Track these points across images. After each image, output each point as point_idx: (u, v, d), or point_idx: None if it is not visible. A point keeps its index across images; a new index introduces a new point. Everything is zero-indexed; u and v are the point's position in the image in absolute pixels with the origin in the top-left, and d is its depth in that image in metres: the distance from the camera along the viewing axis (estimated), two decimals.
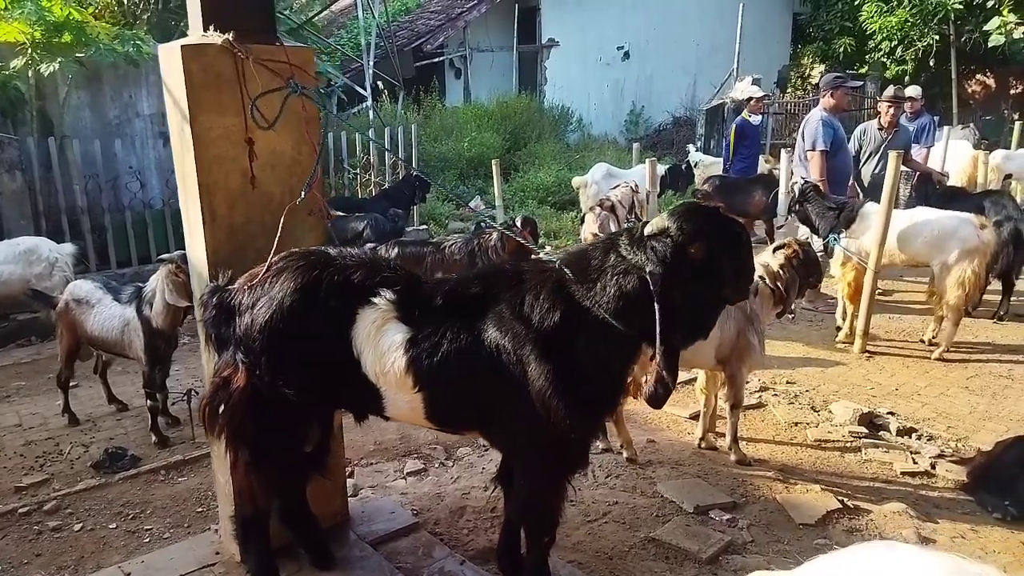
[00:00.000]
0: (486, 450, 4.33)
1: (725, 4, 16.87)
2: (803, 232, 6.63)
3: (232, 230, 2.51)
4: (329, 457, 2.73)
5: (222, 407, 2.37)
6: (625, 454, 4.07)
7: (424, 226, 10.25)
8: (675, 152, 16.49)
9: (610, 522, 3.38)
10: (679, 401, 5.06)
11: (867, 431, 4.54)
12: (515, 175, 12.97)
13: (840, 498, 3.59)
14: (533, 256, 2.58)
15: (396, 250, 5.85)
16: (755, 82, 13.36)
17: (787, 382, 5.44)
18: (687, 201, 2.55)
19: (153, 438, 4.58)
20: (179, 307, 4.15)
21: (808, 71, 21.96)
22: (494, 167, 9.15)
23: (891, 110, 7.16)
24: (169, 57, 2.40)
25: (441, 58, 15.62)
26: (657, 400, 2.23)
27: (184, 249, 4.25)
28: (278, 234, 2.42)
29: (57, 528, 3.73)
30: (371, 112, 12.86)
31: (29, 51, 7.23)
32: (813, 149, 6.62)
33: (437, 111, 14.13)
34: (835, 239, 6.04)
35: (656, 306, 2.08)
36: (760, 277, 4.14)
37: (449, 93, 15.87)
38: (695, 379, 5.13)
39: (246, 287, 2.36)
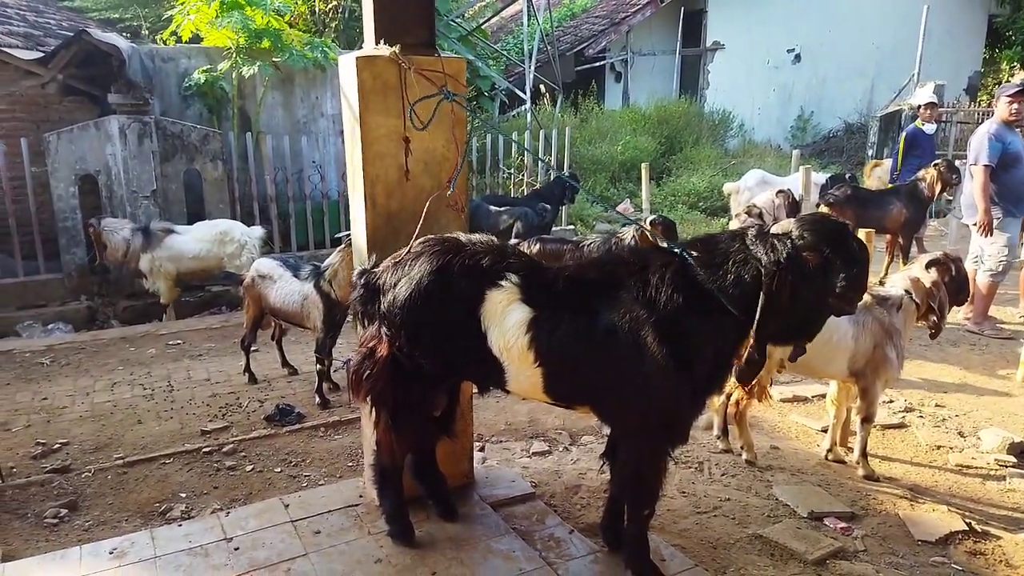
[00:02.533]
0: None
1: (909, 3, 15.80)
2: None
3: (389, 217, 2.91)
4: (456, 423, 3.06)
5: (367, 373, 2.75)
6: (745, 456, 4.12)
7: (571, 226, 10.53)
8: (844, 160, 15.70)
9: (719, 516, 3.48)
10: (813, 414, 5.00)
11: (1016, 461, 4.28)
12: (667, 179, 12.94)
13: (968, 521, 3.46)
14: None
15: (537, 246, 6.16)
16: (936, 89, 12.48)
17: (936, 405, 5.18)
18: (819, 212, 2.62)
19: (317, 399, 5.17)
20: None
21: (1007, 77, 20.01)
22: (644, 171, 9.25)
23: None
24: (346, 66, 2.82)
25: (602, 62, 15.83)
26: (743, 376, 2.39)
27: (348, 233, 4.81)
28: (421, 221, 2.78)
29: (232, 467, 4.35)
30: (529, 115, 13.32)
31: (234, 55, 8.27)
32: (976, 163, 6.20)
33: (594, 114, 14.36)
34: None
35: (761, 295, 2.23)
36: (906, 291, 4.05)
37: (608, 97, 16.05)
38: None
39: (389, 269, 2.72)
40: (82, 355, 6.37)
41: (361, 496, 3.32)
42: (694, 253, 2.42)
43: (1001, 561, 3.20)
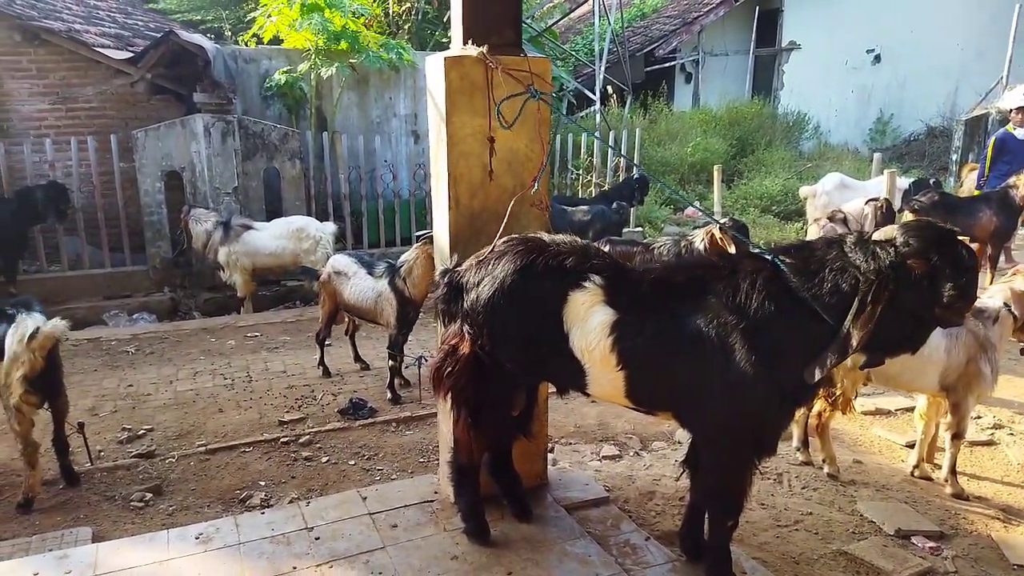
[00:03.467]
0: (682, 444, 4.46)
1: (998, 2, 15.07)
2: None
3: (472, 216, 2.92)
4: (533, 423, 3.05)
5: (448, 371, 2.76)
6: (826, 469, 3.99)
7: (639, 228, 10.42)
8: (926, 165, 15.08)
9: (801, 530, 3.38)
10: (896, 428, 4.81)
11: None
12: (738, 182, 12.67)
13: None
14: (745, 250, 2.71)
15: (607, 247, 6.11)
16: None
17: None
18: (926, 220, 2.53)
19: (388, 394, 5.24)
20: (428, 280, 4.78)
21: None
22: (715, 173, 9.08)
23: None
24: (434, 66, 2.84)
25: (672, 63, 15.61)
26: (809, 372, 2.27)
27: (431, 230, 4.87)
28: (505, 220, 2.78)
29: (308, 458, 4.46)
30: (597, 116, 13.24)
31: (313, 56, 8.47)
32: None
33: (663, 115, 14.18)
34: None
35: (856, 301, 2.16)
36: (1004, 304, 3.86)
37: (677, 98, 15.82)
38: (916, 407, 4.86)
39: (473, 268, 2.73)
40: (165, 344, 6.62)
41: (436, 492, 3.34)
42: (787, 260, 2.35)
43: None
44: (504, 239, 2.70)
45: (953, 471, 3.89)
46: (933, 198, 7.79)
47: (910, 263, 2.19)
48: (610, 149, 9.41)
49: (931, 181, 9.94)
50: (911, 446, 4.40)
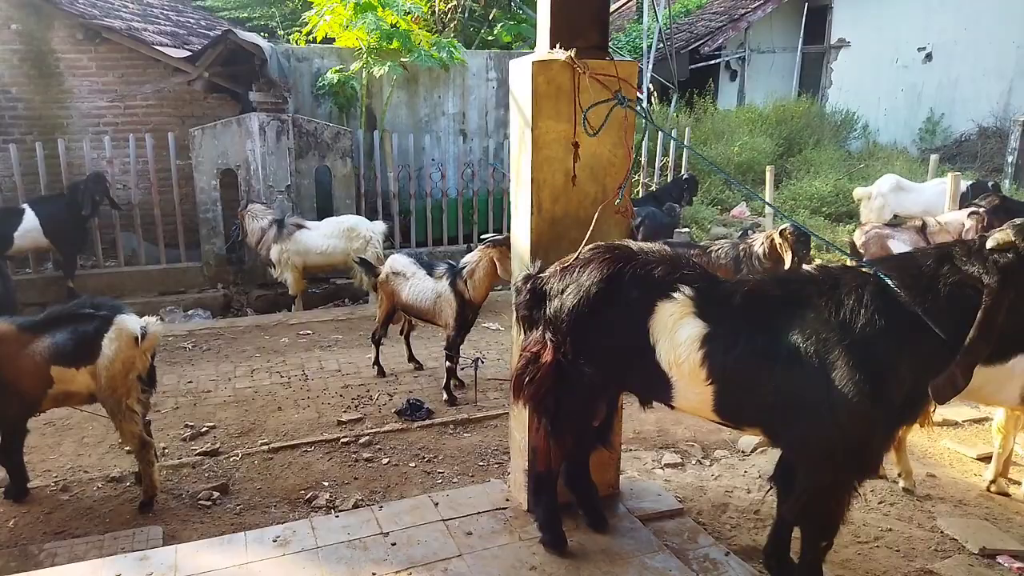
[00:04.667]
0: (746, 455, 4.38)
1: None
2: None
3: (553, 221, 2.88)
4: (613, 433, 3.01)
5: (529, 379, 2.73)
6: (902, 483, 3.88)
7: (687, 228, 10.29)
8: (979, 166, 14.69)
9: (882, 547, 3.28)
10: (966, 440, 4.68)
11: None
12: (786, 182, 12.44)
13: None
14: (848, 264, 2.64)
15: None
16: None
17: None
18: None
19: (444, 396, 5.24)
20: (489, 283, 4.76)
21: None
22: (768, 174, 8.92)
23: None
24: (519, 70, 2.81)
25: (717, 60, 15.40)
26: (943, 396, 2.22)
27: (495, 234, 4.86)
28: (591, 228, 2.73)
29: (369, 459, 4.46)
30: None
31: (365, 55, 8.49)
32: None
33: (709, 114, 13.99)
34: None
35: (980, 313, 2.10)
36: None
37: (722, 96, 15.59)
38: (988, 418, 4.72)
39: (557, 274, 2.69)
40: (220, 341, 6.70)
41: (508, 500, 3.32)
42: (891, 273, 2.27)
43: None
44: (590, 246, 2.66)
45: None
46: (993, 202, 7.54)
47: None
48: (675, 140, 9.22)
49: (990, 184, 9.67)
50: (983, 459, 4.28)
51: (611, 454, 3.26)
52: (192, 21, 11.35)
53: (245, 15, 15.70)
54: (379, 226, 7.52)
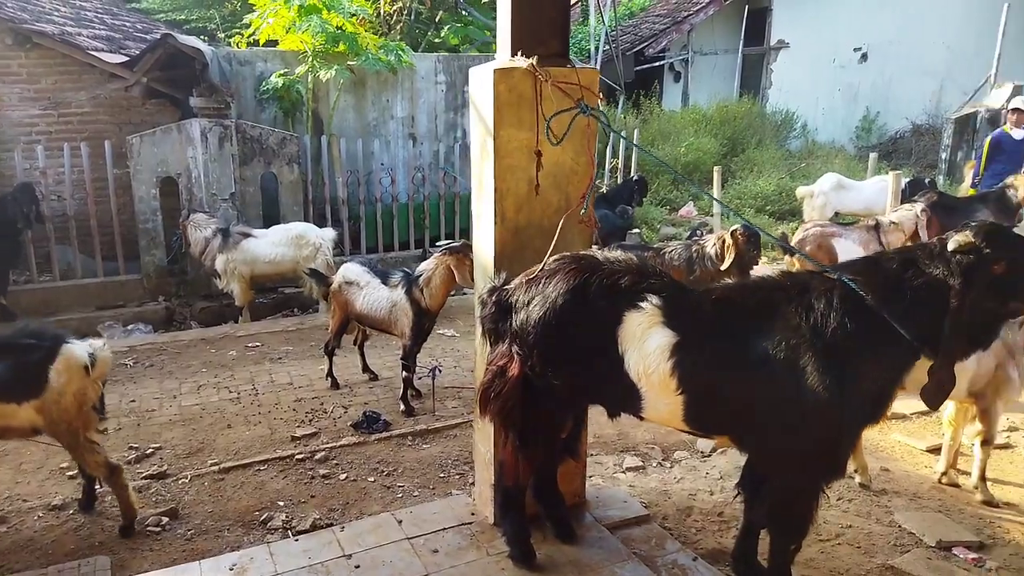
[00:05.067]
0: (706, 456, 4.41)
1: (985, 2, 15.23)
2: None
3: (517, 231, 2.83)
4: (581, 445, 2.98)
5: (496, 393, 2.67)
6: (858, 479, 3.96)
7: (637, 230, 10.38)
8: (913, 163, 15.21)
9: (844, 544, 3.34)
10: (915, 432, 4.81)
11: None
12: (732, 181, 12.68)
13: None
14: (811, 269, 2.66)
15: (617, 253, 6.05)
16: (1016, 90, 12.02)
17: None
18: (988, 221, 2.61)
19: (401, 406, 5.13)
20: (446, 291, 4.69)
21: None
22: (715, 174, 9.06)
23: None
24: (480, 78, 2.75)
25: (661, 62, 15.61)
26: (936, 401, 2.33)
27: (450, 240, 4.78)
28: (555, 238, 2.69)
29: (326, 475, 4.33)
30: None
31: (310, 59, 8.31)
32: None
33: (655, 115, 14.16)
34: None
35: (949, 315, 2.16)
36: None
37: (667, 97, 15.81)
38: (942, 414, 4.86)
39: (522, 286, 2.64)
40: (164, 356, 6.45)
41: (473, 514, 3.26)
42: (856, 277, 2.29)
43: None
44: (555, 257, 2.61)
45: (983, 477, 3.88)
46: (932, 198, 7.80)
47: (993, 267, 2.18)
48: (637, 146, 9.26)
49: (927, 181, 10.01)
50: (932, 451, 4.40)
51: (577, 464, 3.24)
52: (128, 24, 10.94)
53: (183, 17, 15.22)
54: (329, 233, 7.36)
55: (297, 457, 4.52)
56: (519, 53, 2.63)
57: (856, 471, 3.97)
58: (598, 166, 10.31)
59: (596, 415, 4.99)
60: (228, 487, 4.19)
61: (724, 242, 5.78)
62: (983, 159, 9.00)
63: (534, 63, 2.58)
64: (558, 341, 2.54)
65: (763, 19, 15.83)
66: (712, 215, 10.69)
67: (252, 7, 8.73)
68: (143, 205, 7.68)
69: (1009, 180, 7.77)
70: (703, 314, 2.42)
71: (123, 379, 5.94)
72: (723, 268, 5.65)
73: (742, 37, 15.75)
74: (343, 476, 4.33)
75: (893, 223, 6.73)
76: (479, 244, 2.98)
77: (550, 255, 2.64)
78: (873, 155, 10.95)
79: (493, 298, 2.69)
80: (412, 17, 11.34)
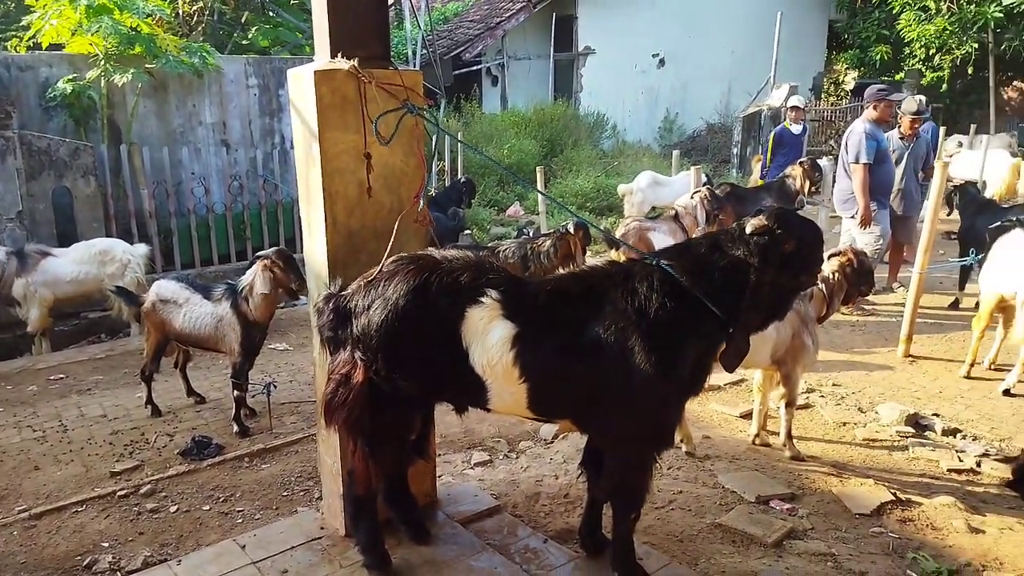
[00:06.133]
0: (549, 443, 4.58)
1: (762, 12, 17.01)
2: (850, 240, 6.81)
3: (350, 235, 2.79)
4: (428, 444, 2.99)
5: (341, 402, 2.62)
6: (684, 448, 4.28)
7: (468, 231, 10.53)
8: (709, 158, 16.64)
9: (677, 509, 3.60)
10: (729, 401, 5.26)
11: (913, 431, 4.71)
12: (553, 181, 13.21)
13: (892, 491, 3.78)
14: (631, 257, 2.85)
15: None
16: (792, 90, 13.51)
17: (833, 384, 5.60)
18: (777, 206, 3.03)
19: (235, 427, 4.86)
20: (273, 300, 4.50)
21: (842, 77, 22.03)
22: (539, 175, 9.39)
23: (914, 123, 7.31)
24: (299, 80, 2.68)
25: (479, 66, 15.93)
26: (732, 365, 2.57)
27: (263, 252, 4.61)
28: (392, 240, 2.69)
29: (154, 510, 4.02)
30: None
31: (103, 62, 7.63)
32: (856, 162, 6.77)
33: (476, 118, 14.42)
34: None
35: (748, 290, 2.40)
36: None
37: (486, 100, 16.18)
38: (744, 380, 5.37)
39: (361, 290, 2.61)
40: None
41: (323, 528, 3.17)
42: (671, 262, 2.49)
43: (928, 525, 3.52)
44: (392, 258, 2.61)
45: (789, 436, 4.34)
46: (727, 190, 8.63)
47: (784, 247, 2.45)
48: (470, 147, 9.35)
49: (703, 176, 10.94)
50: (745, 416, 4.85)
51: (427, 464, 3.24)
52: None
53: None
54: (139, 248, 6.81)
55: (119, 494, 4.14)
56: (339, 55, 2.59)
57: (682, 441, 4.30)
58: (427, 170, 10.39)
59: (440, 414, 5.07)
60: (42, 534, 3.77)
61: (568, 242, 6.06)
62: (768, 153, 10.06)
63: (356, 64, 2.55)
64: (402, 342, 2.53)
65: (570, 26, 16.64)
66: (538, 214, 11.07)
67: (29, 8, 7.85)
68: None
69: (788, 170, 8.74)
70: (540, 304, 2.52)
71: None
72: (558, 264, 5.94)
73: (552, 43, 16.45)
74: (174, 508, 4.03)
75: (683, 209, 7.38)
76: (311, 252, 2.90)
77: (387, 257, 2.63)
78: (676, 152, 11.86)
79: (330, 305, 2.63)
80: (215, 17, 10.75)
